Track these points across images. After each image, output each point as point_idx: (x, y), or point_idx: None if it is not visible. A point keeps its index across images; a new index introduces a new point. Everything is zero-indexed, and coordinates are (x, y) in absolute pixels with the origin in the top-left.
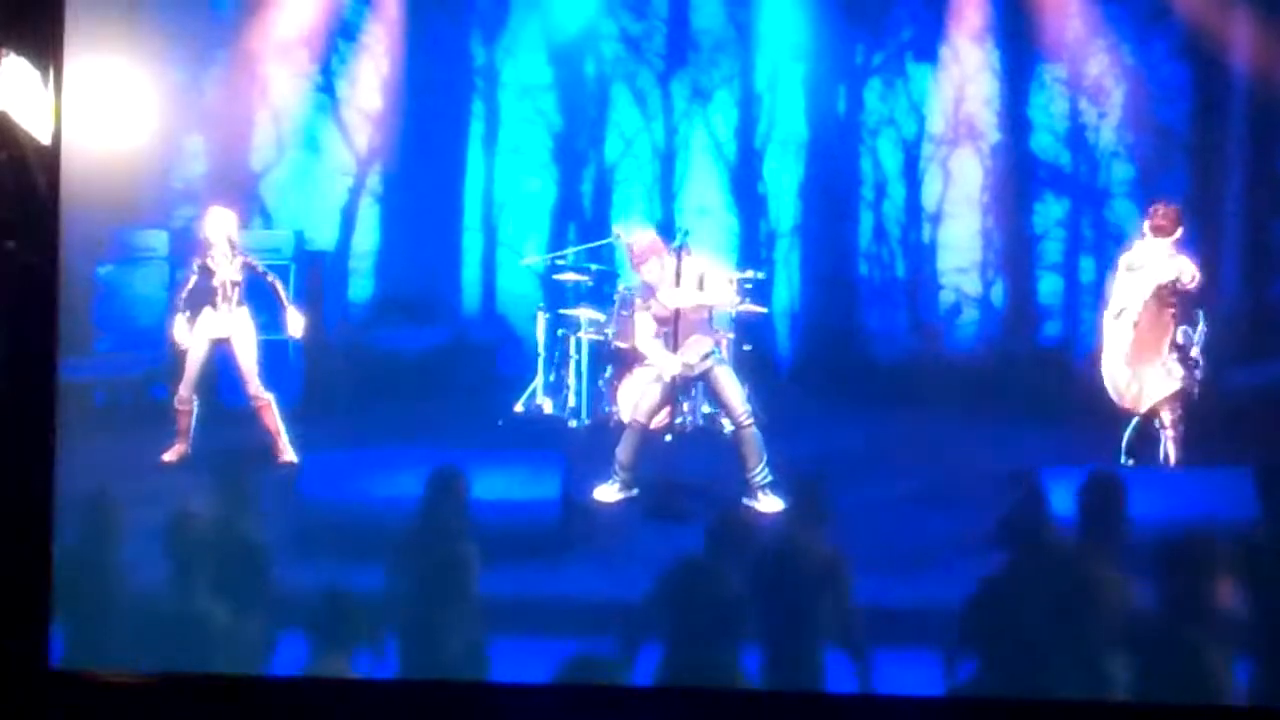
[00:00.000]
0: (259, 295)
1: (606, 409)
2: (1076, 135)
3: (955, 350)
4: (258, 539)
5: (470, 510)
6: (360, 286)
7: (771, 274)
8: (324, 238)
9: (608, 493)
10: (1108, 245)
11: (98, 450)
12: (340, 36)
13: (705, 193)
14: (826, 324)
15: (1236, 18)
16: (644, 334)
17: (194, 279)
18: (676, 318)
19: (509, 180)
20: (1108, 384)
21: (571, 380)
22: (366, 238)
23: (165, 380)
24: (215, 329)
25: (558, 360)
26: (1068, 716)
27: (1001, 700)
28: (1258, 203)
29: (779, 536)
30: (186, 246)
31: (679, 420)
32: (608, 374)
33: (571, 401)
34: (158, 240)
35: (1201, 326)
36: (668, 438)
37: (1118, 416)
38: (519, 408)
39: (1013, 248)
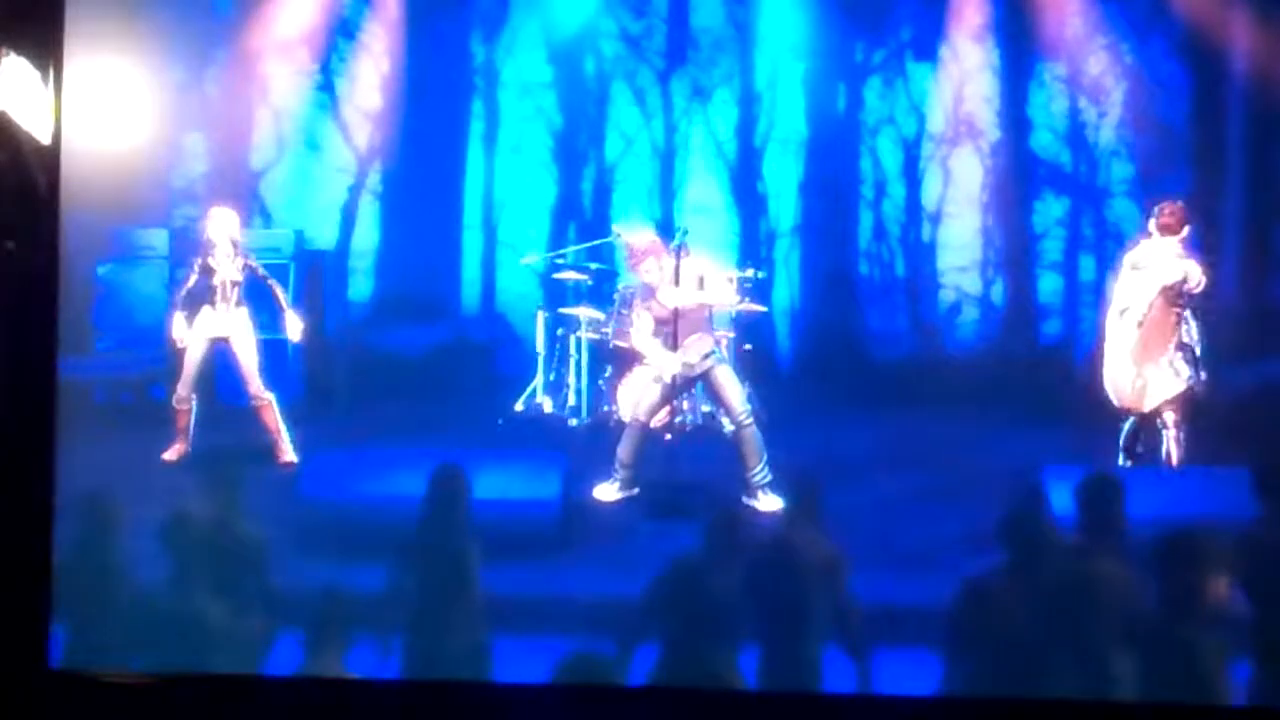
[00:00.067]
0: (259, 295)
1: (606, 408)
2: (1076, 134)
3: (955, 349)
4: (258, 539)
5: (471, 509)
6: (360, 285)
7: (771, 273)
8: (324, 237)
9: (608, 492)
10: (1107, 244)
11: (98, 450)
12: (340, 35)
13: (705, 191)
14: (826, 323)
15: (1236, 16)
16: (642, 333)
17: (194, 278)
18: (676, 317)
19: (509, 179)
20: (1107, 383)
21: (571, 379)
22: (366, 237)
23: (165, 380)
24: (214, 328)
25: (558, 359)
26: (1068, 716)
27: (1001, 700)
28: (1258, 202)
29: (778, 535)
30: (187, 245)
31: (679, 419)
32: (608, 373)
33: (571, 400)
34: (158, 239)
35: (1195, 325)
36: (668, 437)
37: (1118, 416)
38: (519, 407)
39: (1013, 247)
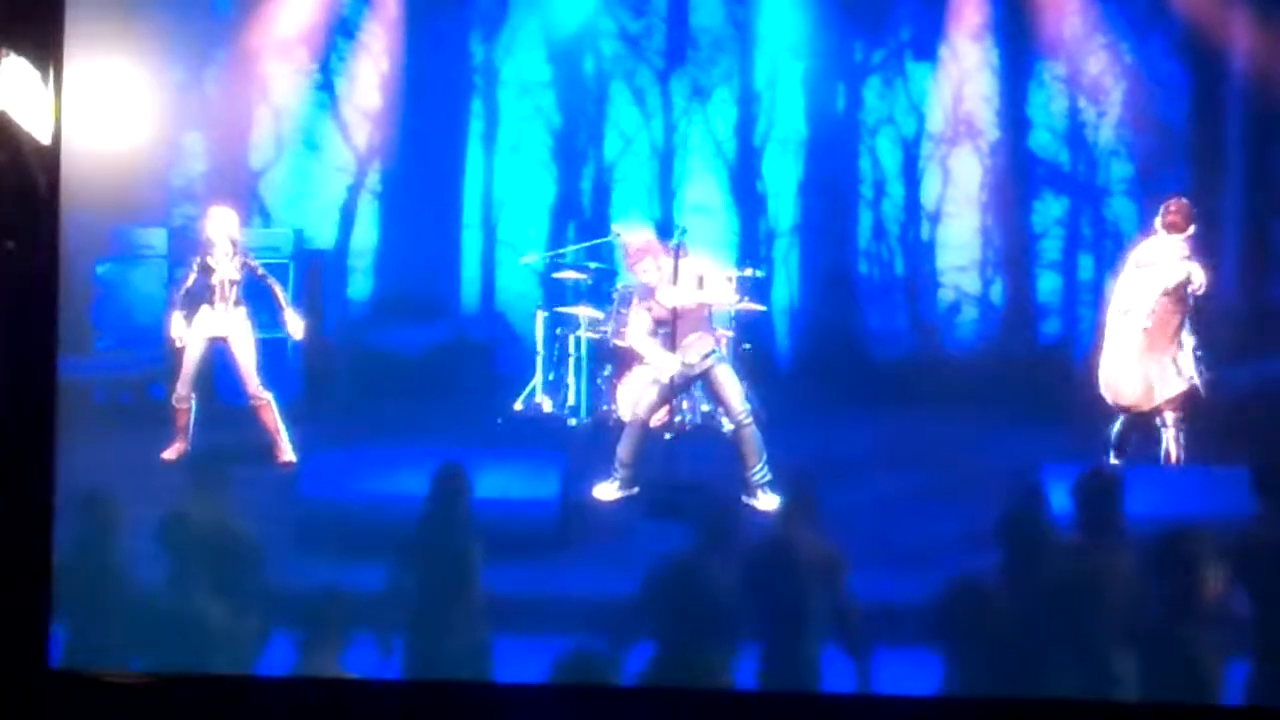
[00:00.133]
0: (258, 294)
1: (606, 407)
2: (1075, 133)
3: (954, 348)
4: (257, 538)
5: (472, 508)
6: (359, 285)
7: (771, 272)
8: (323, 236)
9: (607, 491)
10: (1106, 243)
11: (98, 449)
12: (339, 35)
13: (704, 191)
14: (826, 322)
15: (1235, 15)
16: (639, 332)
17: (193, 277)
18: (674, 317)
19: (508, 178)
20: (1102, 381)
21: (571, 379)
22: (365, 236)
23: (165, 379)
24: (212, 327)
25: (557, 358)
26: (1067, 716)
27: (1000, 700)
28: (1257, 201)
29: (776, 534)
30: (186, 245)
31: (679, 418)
32: (607, 372)
33: (571, 400)
34: (157, 238)
35: (1197, 324)
36: (667, 436)
37: (1115, 415)
38: (518, 406)
39: (1012, 246)
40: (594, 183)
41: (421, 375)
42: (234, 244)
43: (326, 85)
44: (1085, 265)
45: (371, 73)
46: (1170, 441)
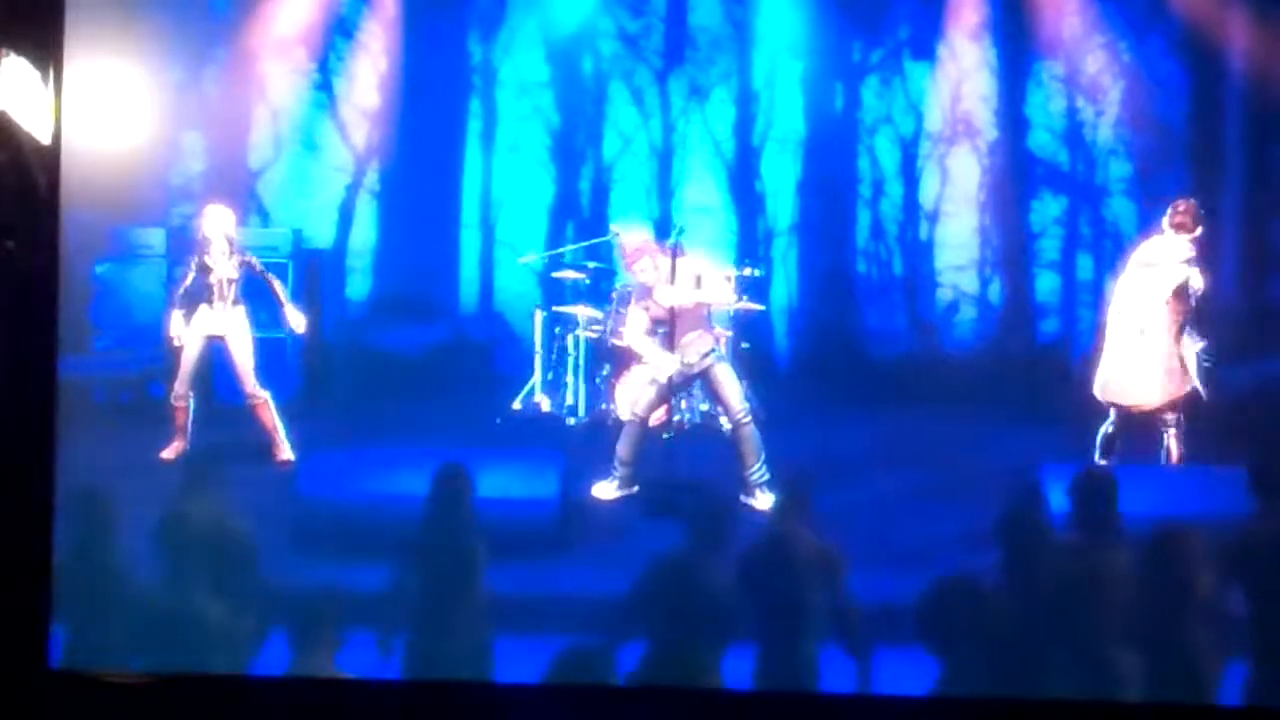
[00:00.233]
0: (256, 293)
1: (604, 406)
2: (1074, 133)
3: (953, 348)
4: (256, 537)
5: (474, 508)
6: (358, 284)
7: (770, 272)
8: (322, 236)
9: (606, 490)
10: (1105, 243)
11: (97, 448)
12: (338, 34)
13: (703, 190)
14: (824, 322)
15: (1234, 15)
16: (637, 332)
17: (191, 276)
18: (673, 316)
19: (507, 178)
20: (1102, 381)
21: (569, 378)
22: (364, 235)
23: (163, 378)
24: (210, 326)
25: (555, 358)
26: (1066, 716)
27: (999, 700)
28: (1257, 201)
29: (774, 533)
30: (184, 244)
31: (677, 418)
32: (605, 372)
33: (569, 399)
34: (156, 238)
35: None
36: (666, 435)
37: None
38: (517, 405)
39: (1010, 245)
40: (592, 182)
41: (420, 375)
42: (230, 242)
43: (325, 85)
44: (1084, 265)
45: (370, 73)
46: (1172, 441)
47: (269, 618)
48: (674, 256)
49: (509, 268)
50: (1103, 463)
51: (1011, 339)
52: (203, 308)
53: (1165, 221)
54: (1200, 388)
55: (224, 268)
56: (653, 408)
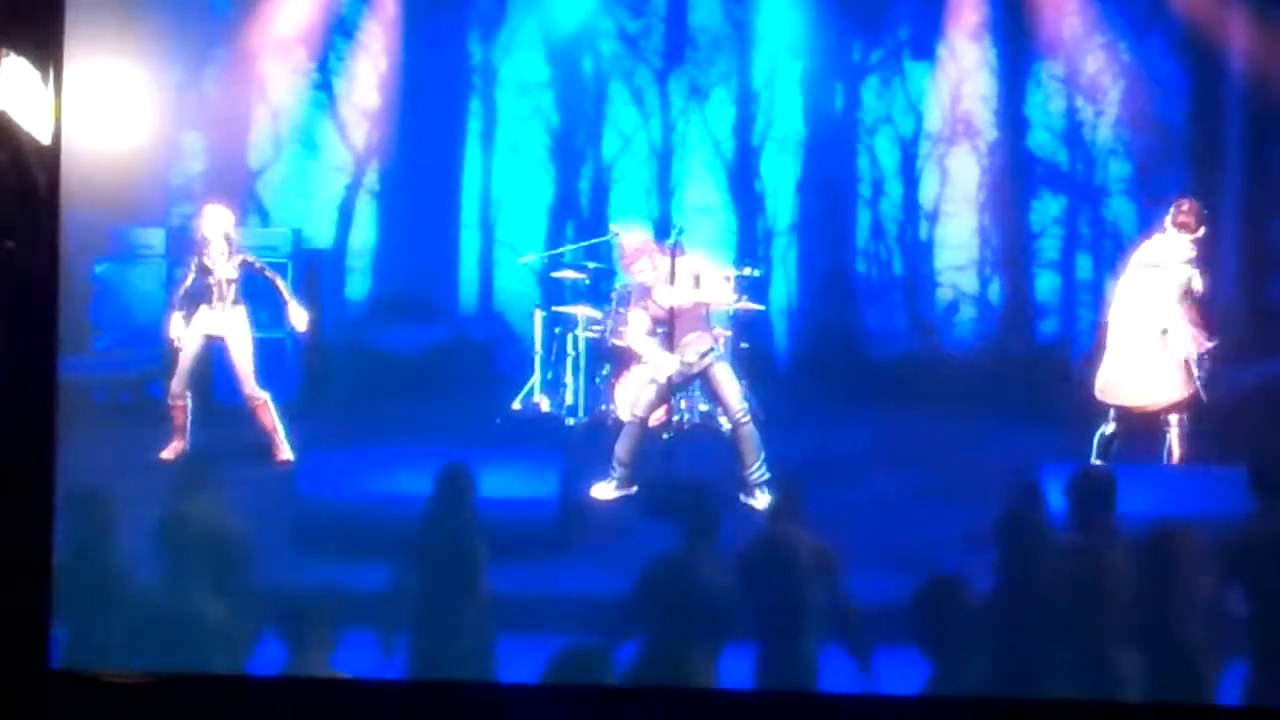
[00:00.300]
0: (256, 293)
1: (604, 406)
2: (1074, 133)
3: (952, 348)
4: (256, 538)
5: (476, 509)
6: (357, 284)
7: (769, 271)
8: (321, 235)
9: (605, 490)
10: (1105, 243)
11: (97, 449)
12: (338, 34)
13: (703, 190)
14: (824, 321)
15: (1233, 15)
16: (636, 332)
17: (191, 276)
18: (672, 316)
19: (506, 178)
20: (1103, 382)
21: (569, 378)
22: (364, 235)
23: (163, 378)
24: (210, 326)
25: (555, 358)
26: (1065, 716)
27: (998, 700)
28: (1257, 201)
29: (773, 533)
30: (184, 244)
31: (677, 418)
32: (605, 372)
33: (569, 399)
34: (155, 238)
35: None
36: (665, 435)
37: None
38: (516, 405)
39: (1010, 245)
40: (592, 182)
41: (420, 375)
42: (230, 242)
43: (325, 85)
44: (1083, 265)
45: (370, 72)
46: (1174, 441)
47: (269, 618)
48: (673, 256)
49: (509, 268)
50: (1099, 462)
51: (1011, 339)
52: (202, 308)
53: (1168, 220)
54: (1201, 387)
55: (223, 268)
56: (652, 408)
